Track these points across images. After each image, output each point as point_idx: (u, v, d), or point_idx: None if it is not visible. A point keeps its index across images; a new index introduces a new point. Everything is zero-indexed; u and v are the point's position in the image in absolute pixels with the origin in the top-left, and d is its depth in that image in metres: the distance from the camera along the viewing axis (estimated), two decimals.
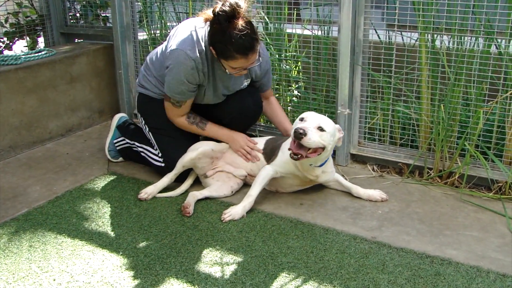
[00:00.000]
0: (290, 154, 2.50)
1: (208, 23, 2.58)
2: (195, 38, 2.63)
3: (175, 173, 2.81)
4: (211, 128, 2.87)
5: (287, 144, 2.66)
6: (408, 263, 2.20)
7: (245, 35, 2.44)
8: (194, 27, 2.65)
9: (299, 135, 2.44)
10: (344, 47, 2.92)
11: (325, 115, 2.80)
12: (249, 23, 2.48)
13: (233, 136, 2.85)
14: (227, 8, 2.43)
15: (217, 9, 2.47)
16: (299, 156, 2.48)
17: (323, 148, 2.53)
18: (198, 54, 2.61)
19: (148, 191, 2.77)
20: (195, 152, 2.77)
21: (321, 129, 2.50)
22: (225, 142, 2.88)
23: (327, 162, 2.69)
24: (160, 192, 2.81)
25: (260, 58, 2.64)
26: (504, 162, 2.76)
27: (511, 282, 2.07)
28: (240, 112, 2.87)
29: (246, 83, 2.88)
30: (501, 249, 2.30)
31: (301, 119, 2.55)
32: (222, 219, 2.53)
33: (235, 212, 2.56)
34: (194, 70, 2.63)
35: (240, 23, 2.45)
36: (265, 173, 2.66)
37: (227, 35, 2.45)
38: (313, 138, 2.46)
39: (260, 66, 2.82)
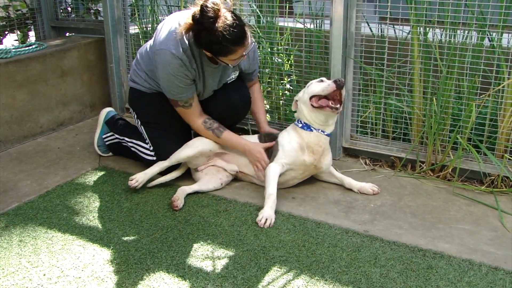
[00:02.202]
0: (329, 105, 2.57)
1: (190, 32, 2.53)
2: (178, 36, 2.60)
3: (167, 164, 2.78)
4: (227, 137, 2.79)
5: (284, 136, 2.70)
6: (400, 256, 2.20)
7: (234, 26, 2.43)
8: (178, 24, 2.61)
9: (342, 84, 2.54)
10: (336, 40, 2.91)
11: None
12: (231, 13, 2.47)
13: (250, 149, 2.76)
14: (209, 13, 2.41)
15: (198, 16, 2.43)
16: (338, 106, 2.58)
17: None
18: (183, 52, 2.59)
19: (139, 178, 2.73)
20: (194, 150, 2.75)
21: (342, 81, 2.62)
22: (242, 151, 2.81)
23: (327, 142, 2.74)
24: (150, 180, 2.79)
25: (252, 39, 2.66)
26: (496, 155, 2.76)
27: (503, 275, 2.07)
28: (227, 107, 2.85)
29: (233, 75, 2.87)
30: (493, 242, 2.30)
31: (320, 80, 2.66)
32: (261, 226, 2.43)
33: (268, 214, 2.47)
34: (183, 67, 2.61)
35: (224, 17, 2.43)
36: (273, 171, 2.61)
37: (217, 34, 2.43)
38: (344, 90, 2.63)
39: (248, 57, 2.80)
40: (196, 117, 2.79)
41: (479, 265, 2.14)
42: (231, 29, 2.42)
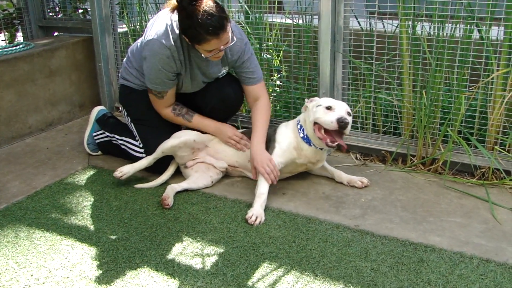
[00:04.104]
0: (327, 144, 2.51)
1: (175, 12, 2.55)
2: (169, 27, 2.60)
3: (154, 157, 2.77)
4: (198, 120, 2.83)
5: (283, 133, 2.69)
6: (391, 250, 2.19)
7: (211, 15, 2.40)
8: (170, 16, 2.62)
9: (345, 125, 2.47)
10: (324, 35, 2.89)
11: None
12: (214, 2, 2.45)
13: (221, 128, 2.82)
14: None
15: None
16: (335, 144, 2.51)
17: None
18: (173, 43, 2.58)
19: (124, 170, 2.71)
20: (177, 140, 2.73)
21: (349, 114, 2.56)
22: (212, 134, 2.83)
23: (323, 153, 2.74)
24: (141, 183, 2.79)
25: (234, 37, 2.60)
26: (487, 148, 2.75)
27: (494, 267, 2.06)
28: (220, 101, 2.84)
29: (224, 70, 2.84)
30: (484, 235, 2.29)
31: (329, 108, 2.53)
32: (251, 223, 2.40)
33: (258, 212, 2.44)
34: (170, 59, 2.59)
35: (204, 4, 2.41)
36: None
37: (194, 19, 2.41)
38: (349, 126, 2.51)
39: (237, 51, 2.73)
40: (164, 107, 2.82)
41: (470, 258, 2.13)
42: (208, 17, 2.40)
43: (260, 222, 2.41)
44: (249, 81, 2.81)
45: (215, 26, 2.43)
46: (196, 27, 2.43)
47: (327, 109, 2.53)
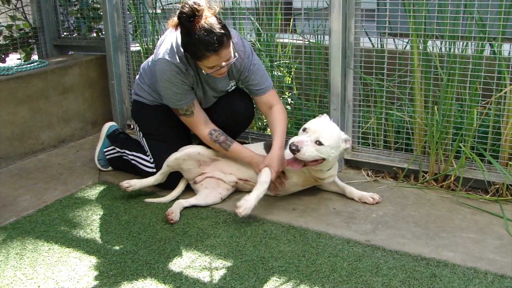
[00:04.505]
0: (287, 163, 2.53)
1: (178, 29, 2.56)
2: (174, 44, 2.61)
3: (161, 172, 2.76)
4: (236, 149, 2.74)
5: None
6: (403, 265, 2.14)
7: (210, 31, 2.39)
8: (176, 34, 2.63)
9: (292, 151, 2.45)
10: (335, 51, 2.89)
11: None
12: (214, 19, 2.45)
13: (257, 162, 2.71)
14: (185, 10, 2.40)
15: (178, 13, 2.45)
16: (294, 167, 2.50)
17: (324, 159, 2.51)
18: (178, 60, 2.58)
19: (132, 183, 2.72)
20: (180, 152, 2.72)
21: (319, 143, 2.46)
22: (248, 164, 2.76)
23: (334, 167, 2.70)
24: (151, 198, 2.79)
25: (236, 54, 2.59)
26: (501, 163, 2.70)
27: (510, 283, 2.01)
28: (231, 116, 2.83)
29: (232, 83, 2.84)
30: (499, 250, 2.24)
31: (304, 129, 2.52)
32: (237, 214, 2.43)
33: (249, 206, 2.44)
34: (180, 75, 2.60)
35: (203, 21, 2.41)
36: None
37: (192, 36, 2.41)
38: (308, 153, 2.45)
39: (240, 64, 2.72)
40: (201, 127, 2.74)
41: (484, 273, 2.07)
42: (206, 33, 2.39)
43: (245, 214, 2.43)
44: (258, 92, 2.80)
45: (213, 42, 2.41)
46: (194, 43, 2.43)
47: (303, 131, 2.52)
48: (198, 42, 2.41)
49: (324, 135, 2.47)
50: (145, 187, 2.80)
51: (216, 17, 2.47)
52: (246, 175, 2.78)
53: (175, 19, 2.51)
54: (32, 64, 3.60)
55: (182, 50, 2.57)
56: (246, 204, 2.44)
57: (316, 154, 2.46)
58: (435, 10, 2.70)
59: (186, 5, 2.41)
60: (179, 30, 2.54)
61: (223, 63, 2.50)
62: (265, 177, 2.54)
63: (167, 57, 2.59)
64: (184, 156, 2.72)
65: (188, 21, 2.41)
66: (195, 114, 2.72)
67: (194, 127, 2.76)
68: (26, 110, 3.45)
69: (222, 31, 2.43)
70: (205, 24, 2.40)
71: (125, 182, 2.72)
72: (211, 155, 2.79)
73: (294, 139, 2.47)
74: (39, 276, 2.13)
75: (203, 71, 2.57)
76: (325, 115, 2.69)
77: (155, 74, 2.69)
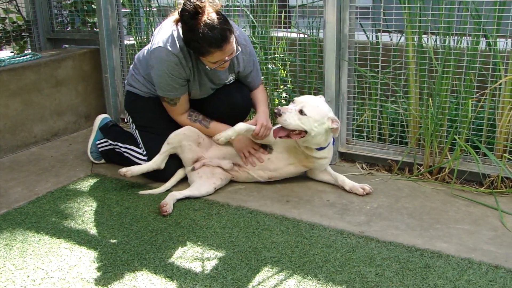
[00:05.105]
0: (273, 132, 2.62)
1: (179, 24, 2.55)
2: (175, 34, 2.60)
3: (161, 152, 2.75)
4: (216, 126, 2.79)
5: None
6: (396, 256, 2.12)
7: (213, 27, 2.41)
8: (175, 25, 2.62)
9: (275, 114, 2.53)
10: (329, 42, 2.88)
11: None
12: (217, 15, 2.45)
13: (238, 137, 2.77)
14: (188, 7, 2.40)
15: (180, 10, 2.45)
16: (280, 136, 2.58)
17: (306, 132, 2.56)
18: (180, 50, 2.58)
19: (131, 169, 2.72)
20: (181, 129, 2.75)
21: (302, 112, 2.53)
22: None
23: (327, 149, 2.72)
24: (144, 189, 2.76)
25: (240, 47, 2.61)
26: (496, 156, 2.69)
27: (504, 273, 1.99)
28: (229, 107, 2.82)
29: (231, 77, 2.84)
30: (493, 242, 2.23)
31: (293, 101, 2.61)
32: (216, 140, 2.65)
33: (227, 134, 2.64)
34: (179, 66, 2.59)
35: (206, 17, 2.42)
36: None
37: (196, 32, 2.42)
38: (289, 120, 2.53)
39: (243, 60, 2.78)
40: (179, 114, 2.80)
41: (478, 264, 2.06)
42: (210, 29, 2.40)
43: (223, 140, 2.66)
44: (256, 84, 2.93)
45: (217, 38, 2.43)
46: (198, 40, 2.44)
47: (292, 102, 2.63)
48: (202, 39, 2.41)
49: (309, 106, 2.55)
50: (144, 172, 2.77)
51: (217, 12, 2.45)
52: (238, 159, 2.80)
53: (176, 16, 2.49)
54: (25, 57, 3.57)
55: (182, 41, 2.57)
56: (224, 134, 2.65)
57: (297, 124, 2.53)
58: (430, 4, 2.68)
59: (189, 2, 2.39)
60: (178, 24, 2.53)
61: (226, 58, 2.53)
62: (241, 125, 2.65)
63: (168, 46, 2.58)
64: (184, 130, 2.74)
65: (191, 18, 2.41)
66: (177, 105, 2.75)
67: (172, 113, 2.82)
68: (19, 103, 3.42)
69: (225, 26, 2.44)
70: (208, 20, 2.41)
71: (124, 168, 2.70)
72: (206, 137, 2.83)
73: (279, 106, 2.57)
74: (29, 266, 2.10)
75: (206, 67, 2.58)
76: (322, 96, 2.75)
77: (150, 61, 2.67)
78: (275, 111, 2.53)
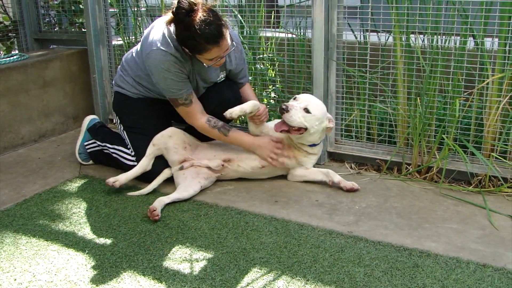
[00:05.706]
0: (274, 127, 2.68)
1: (172, 24, 2.53)
2: (167, 34, 2.59)
3: (147, 154, 2.74)
4: (234, 134, 2.75)
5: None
6: (385, 256, 2.13)
7: (209, 23, 2.41)
8: (167, 26, 2.60)
9: (281, 110, 2.60)
10: (317, 42, 2.88)
11: None
12: (211, 11, 2.45)
13: (259, 143, 2.76)
14: (183, 5, 2.40)
15: (174, 9, 2.44)
16: (281, 130, 2.65)
17: (306, 129, 2.63)
18: (174, 49, 2.58)
19: (119, 178, 2.69)
20: (166, 130, 2.75)
21: (307, 110, 2.60)
22: (251, 151, 2.78)
23: (318, 146, 2.81)
24: (132, 191, 2.74)
25: (234, 43, 2.62)
26: (483, 155, 2.70)
27: (492, 272, 2.00)
28: (220, 104, 2.80)
29: (222, 75, 2.85)
30: (481, 240, 2.24)
31: (294, 98, 2.68)
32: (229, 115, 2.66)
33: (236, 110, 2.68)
34: (178, 64, 2.60)
35: (201, 14, 2.41)
36: None
37: (192, 30, 2.42)
38: (294, 117, 2.60)
39: (235, 57, 2.80)
40: (198, 116, 2.74)
41: (466, 263, 2.07)
42: (206, 26, 2.40)
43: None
44: (245, 81, 2.97)
45: (214, 34, 2.43)
46: (195, 37, 2.43)
47: (293, 99, 2.70)
48: (199, 35, 2.41)
49: (313, 105, 2.65)
50: (132, 178, 2.75)
51: (210, 9, 2.45)
52: (231, 153, 2.80)
53: (170, 14, 2.48)
54: (12, 58, 3.53)
55: (176, 40, 2.56)
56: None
57: (301, 121, 2.61)
58: (418, 4, 2.69)
59: (183, 1, 2.39)
60: (171, 25, 2.52)
61: (223, 53, 2.54)
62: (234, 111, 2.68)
63: (162, 47, 2.57)
64: (169, 132, 2.73)
65: (187, 15, 2.40)
66: (193, 103, 2.71)
67: (192, 116, 2.75)
68: (6, 104, 3.39)
69: (220, 22, 2.45)
70: (203, 17, 2.41)
71: (112, 179, 2.67)
72: (194, 139, 2.83)
73: (286, 103, 2.64)
74: (16, 269, 2.08)
75: (204, 64, 2.58)
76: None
77: (148, 67, 2.66)
78: (283, 107, 2.59)
